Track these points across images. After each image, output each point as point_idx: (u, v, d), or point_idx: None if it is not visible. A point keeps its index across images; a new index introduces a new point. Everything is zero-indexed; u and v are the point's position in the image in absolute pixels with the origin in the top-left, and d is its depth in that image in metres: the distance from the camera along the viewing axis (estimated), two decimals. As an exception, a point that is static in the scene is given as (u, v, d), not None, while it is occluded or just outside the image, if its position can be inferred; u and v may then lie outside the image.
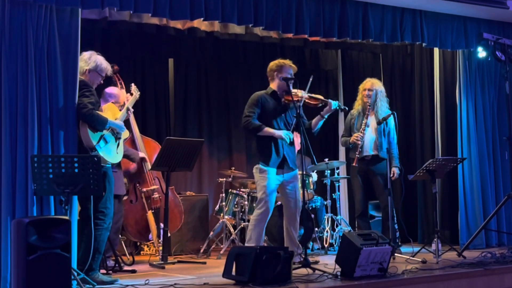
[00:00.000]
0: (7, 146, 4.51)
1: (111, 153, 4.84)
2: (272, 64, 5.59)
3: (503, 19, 6.98)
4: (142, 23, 6.42)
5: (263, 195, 5.31)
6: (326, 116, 5.55)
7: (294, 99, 5.38)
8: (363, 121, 6.25)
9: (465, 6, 6.43)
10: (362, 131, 6.22)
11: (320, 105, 5.56)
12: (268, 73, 5.60)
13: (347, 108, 5.67)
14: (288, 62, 5.56)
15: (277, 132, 5.35)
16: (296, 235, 5.49)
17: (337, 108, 5.53)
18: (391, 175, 6.25)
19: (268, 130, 5.34)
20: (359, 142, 6.18)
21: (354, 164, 6.20)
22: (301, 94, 5.49)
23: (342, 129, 8.26)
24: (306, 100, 5.50)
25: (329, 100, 5.50)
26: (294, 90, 5.48)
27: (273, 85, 5.55)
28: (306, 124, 5.57)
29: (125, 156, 5.53)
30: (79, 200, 4.76)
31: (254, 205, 5.51)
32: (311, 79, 5.56)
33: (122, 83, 5.94)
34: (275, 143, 5.39)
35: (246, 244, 5.34)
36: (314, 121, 5.57)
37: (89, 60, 4.85)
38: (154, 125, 7.62)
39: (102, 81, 5.05)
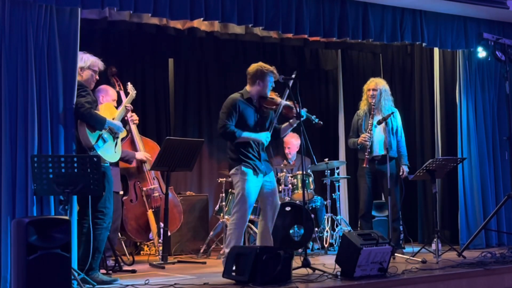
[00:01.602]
0: (7, 146, 4.51)
1: (110, 152, 4.85)
2: (256, 68, 5.26)
3: (503, 19, 6.98)
4: (142, 23, 6.43)
5: (242, 197, 5.10)
6: (295, 125, 5.30)
7: (272, 106, 5.25)
8: (369, 121, 6.25)
9: (465, 6, 6.43)
10: (369, 131, 6.21)
11: (295, 114, 5.27)
12: (250, 76, 5.27)
13: (321, 123, 5.43)
14: (272, 68, 5.28)
15: (256, 137, 5.17)
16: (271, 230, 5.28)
17: (313, 122, 5.25)
18: (401, 173, 6.32)
19: (246, 136, 5.14)
20: (367, 143, 6.18)
21: (364, 165, 6.20)
22: (279, 101, 5.25)
23: (342, 129, 8.31)
24: (283, 110, 5.25)
25: (304, 111, 5.21)
26: (271, 97, 5.27)
27: (250, 89, 5.28)
28: (276, 128, 5.38)
29: (120, 158, 5.49)
30: (78, 199, 4.76)
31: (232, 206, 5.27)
32: (293, 76, 5.25)
33: (121, 85, 5.94)
34: (251, 147, 5.20)
35: (224, 248, 5.18)
36: (283, 127, 5.39)
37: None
38: (154, 125, 7.61)
39: (97, 77, 5.03)
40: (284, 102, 5.25)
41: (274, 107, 5.29)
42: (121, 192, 6.16)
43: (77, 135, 4.69)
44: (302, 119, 5.21)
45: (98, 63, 4.97)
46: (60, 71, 4.70)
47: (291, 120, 5.33)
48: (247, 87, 5.33)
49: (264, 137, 5.21)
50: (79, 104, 4.65)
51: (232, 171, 5.22)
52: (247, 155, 5.17)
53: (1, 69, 4.55)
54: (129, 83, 5.93)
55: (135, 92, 5.76)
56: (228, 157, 5.35)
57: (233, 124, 5.14)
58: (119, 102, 5.67)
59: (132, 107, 5.57)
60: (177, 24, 6.58)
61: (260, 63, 5.34)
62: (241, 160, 5.16)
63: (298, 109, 5.15)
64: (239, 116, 5.18)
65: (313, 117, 5.28)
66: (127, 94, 5.77)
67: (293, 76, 5.24)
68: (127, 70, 7.38)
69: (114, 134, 4.92)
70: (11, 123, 4.53)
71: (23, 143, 4.53)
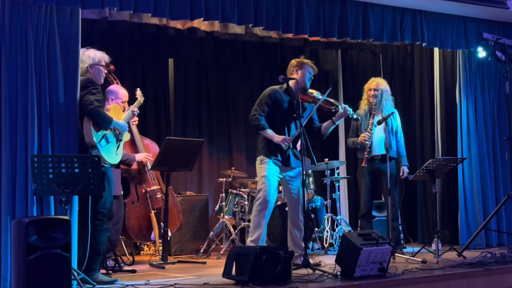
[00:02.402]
0: (7, 146, 4.51)
1: (111, 153, 4.84)
2: (294, 60, 5.54)
3: (503, 19, 6.98)
4: (142, 23, 6.42)
5: (262, 185, 5.26)
6: (337, 122, 5.53)
7: (310, 100, 5.42)
8: (370, 121, 6.25)
9: (465, 6, 6.43)
10: (370, 130, 6.21)
11: (334, 110, 5.47)
12: (289, 67, 5.53)
13: (359, 118, 5.56)
14: (311, 62, 5.53)
15: (276, 137, 5.28)
16: (300, 236, 5.33)
17: (350, 115, 5.44)
18: (401, 174, 6.33)
19: (268, 133, 5.29)
20: (367, 142, 6.18)
21: (363, 164, 6.20)
22: (317, 95, 5.44)
23: (342, 129, 8.32)
24: (321, 104, 5.42)
25: (343, 106, 5.40)
26: (310, 90, 5.45)
27: (290, 81, 5.44)
28: (316, 128, 5.54)
29: (121, 161, 5.48)
30: (78, 200, 4.76)
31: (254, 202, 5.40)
32: (329, 91, 5.48)
33: (118, 82, 5.94)
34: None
35: (248, 237, 5.27)
36: (324, 126, 5.53)
37: (83, 56, 4.85)
38: (154, 125, 7.62)
39: (105, 71, 5.04)
40: (324, 97, 5.40)
41: (311, 100, 5.45)
42: (127, 199, 6.13)
43: (81, 131, 4.68)
44: (347, 114, 5.39)
45: (104, 57, 4.98)
46: (60, 71, 4.70)
47: (333, 118, 5.48)
48: (290, 82, 5.48)
49: (284, 142, 5.27)
50: (88, 101, 4.63)
51: (258, 159, 5.40)
52: (273, 146, 5.30)
53: (1, 69, 4.55)
54: (138, 89, 5.96)
55: (143, 98, 5.78)
56: (258, 146, 5.47)
57: (264, 114, 5.32)
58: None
59: (138, 111, 5.57)
60: (177, 24, 6.58)
61: (301, 57, 5.58)
62: (265, 151, 5.32)
63: (345, 110, 5.35)
64: (273, 106, 5.35)
65: (351, 111, 5.46)
66: (134, 99, 5.78)
67: (329, 90, 5.48)
68: (127, 70, 7.38)
69: (117, 136, 4.91)
70: (11, 123, 4.53)
71: (23, 143, 4.53)
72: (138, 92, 5.89)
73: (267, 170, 5.28)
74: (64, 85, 4.70)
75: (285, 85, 5.42)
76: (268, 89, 5.45)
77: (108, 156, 4.77)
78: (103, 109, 4.78)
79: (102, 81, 5.00)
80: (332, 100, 5.50)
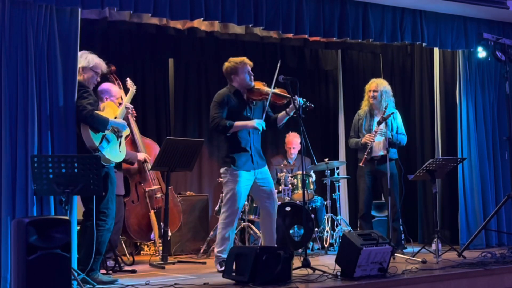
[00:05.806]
0: (7, 146, 4.51)
1: (115, 152, 4.84)
2: (226, 66, 5.34)
3: (503, 19, 6.98)
4: (142, 23, 6.43)
5: (232, 197, 5.17)
6: (291, 114, 5.31)
7: (259, 97, 5.28)
8: (371, 122, 6.24)
9: (465, 6, 6.43)
10: (375, 132, 6.17)
11: (286, 102, 5.32)
12: (225, 75, 5.38)
13: (313, 106, 5.40)
14: (241, 59, 5.29)
15: (249, 123, 5.18)
16: (275, 236, 5.32)
17: (303, 106, 5.21)
18: (381, 149, 6.22)
19: (238, 123, 5.16)
20: (372, 143, 6.16)
21: (361, 164, 6.19)
22: (266, 91, 5.26)
23: (342, 129, 8.31)
24: (272, 99, 5.26)
25: (295, 97, 5.14)
26: (257, 86, 5.30)
27: (234, 84, 5.33)
28: (271, 118, 5.40)
29: (123, 160, 5.48)
30: (83, 200, 4.76)
31: (222, 209, 5.32)
32: (278, 65, 5.23)
33: (120, 83, 5.93)
34: (243, 143, 5.24)
35: (215, 249, 5.23)
36: (279, 117, 5.40)
37: (81, 58, 4.84)
38: (154, 125, 7.61)
39: (98, 79, 5.03)
40: (272, 90, 5.24)
41: (261, 97, 5.31)
42: (127, 198, 6.13)
43: (81, 136, 4.67)
44: (300, 104, 5.14)
45: (102, 66, 4.94)
46: (60, 71, 4.70)
47: (287, 109, 5.35)
48: (231, 83, 5.37)
49: (257, 122, 5.18)
50: (81, 107, 4.63)
51: (223, 170, 5.28)
52: (240, 147, 5.19)
53: (1, 69, 4.56)
54: (128, 79, 5.93)
55: (135, 87, 5.74)
56: (221, 155, 5.38)
57: (223, 116, 5.17)
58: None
59: (132, 106, 5.55)
60: (177, 24, 6.58)
61: (230, 59, 5.37)
62: (233, 158, 5.19)
63: (294, 101, 5.10)
64: (231, 110, 5.22)
65: (304, 100, 5.22)
66: (127, 91, 5.76)
67: (278, 65, 5.22)
68: (127, 70, 7.36)
69: (117, 134, 4.90)
70: (11, 123, 4.54)
71: (23, 143, 4.53)
72: (129, 82, 5.85)
73: (238, 182, 5.17)
74: (63, 84, 4.70)
75: (232, 88, 5.31)
76: (218, 94, 5.31)
77: (112, 155, 4.76)
78: (97, 109, 4.76)
79: (92, 87, 4.96)
80: (281, 93, 5.27)
